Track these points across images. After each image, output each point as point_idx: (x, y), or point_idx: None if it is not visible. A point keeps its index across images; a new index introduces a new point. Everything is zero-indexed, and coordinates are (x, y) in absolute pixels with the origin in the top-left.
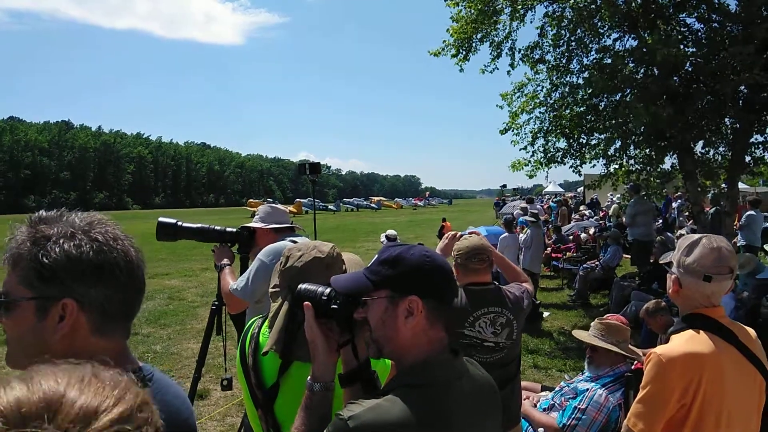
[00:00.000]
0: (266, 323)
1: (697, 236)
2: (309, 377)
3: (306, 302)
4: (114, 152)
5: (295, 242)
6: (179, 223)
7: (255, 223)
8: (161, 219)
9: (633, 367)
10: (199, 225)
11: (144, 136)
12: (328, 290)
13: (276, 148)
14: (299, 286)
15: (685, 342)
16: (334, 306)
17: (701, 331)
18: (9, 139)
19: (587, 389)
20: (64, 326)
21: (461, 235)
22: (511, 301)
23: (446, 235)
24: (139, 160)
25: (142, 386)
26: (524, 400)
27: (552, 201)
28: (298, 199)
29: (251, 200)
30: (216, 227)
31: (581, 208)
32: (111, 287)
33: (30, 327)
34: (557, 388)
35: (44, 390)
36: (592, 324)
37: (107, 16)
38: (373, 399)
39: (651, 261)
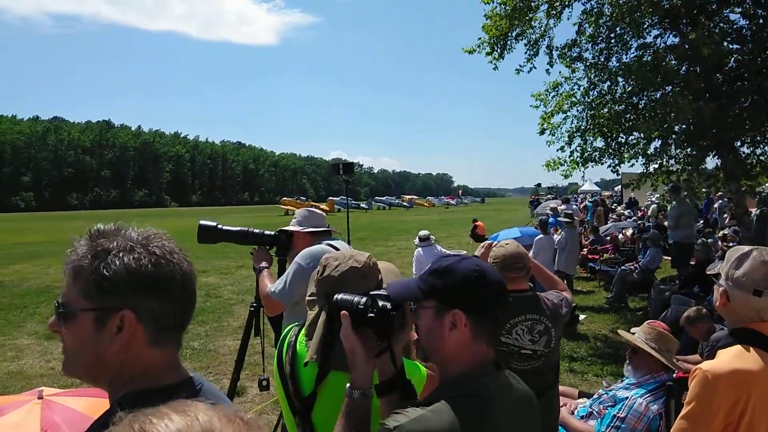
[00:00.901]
0: (303, 331)
1: (747, 248)
2: (348, 385)
3: (343, 311)
4: (153, 151)
5: (332, 246)
6: (220, 226)
7: (293, 227)
8: (202, 222)
9: (675, 375)
10: (238, 228)
11: (182, 136)
12: (364, 299)
13: (309, 146)
14: (336, 296)
15: (733, 358)
16: (370, 315)
17: (751, 348)
18: (53, 139)
19: (627, 397)
20: (122, 337)
21: (497, 244)
22: (549, 309)
23: (482, 244)
24: (177, 158)
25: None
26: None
27: (588, 200)
28: (330, 198)
29: (285, 198)
30: (255, 230)
31: (619, 207)
32: (167, 299)
33: (88, 337)
34: (595, 396)
35: (201, 423)
36: (640, 327)
37: (145, 18)
38: (417, 409)
39: (692, 264)
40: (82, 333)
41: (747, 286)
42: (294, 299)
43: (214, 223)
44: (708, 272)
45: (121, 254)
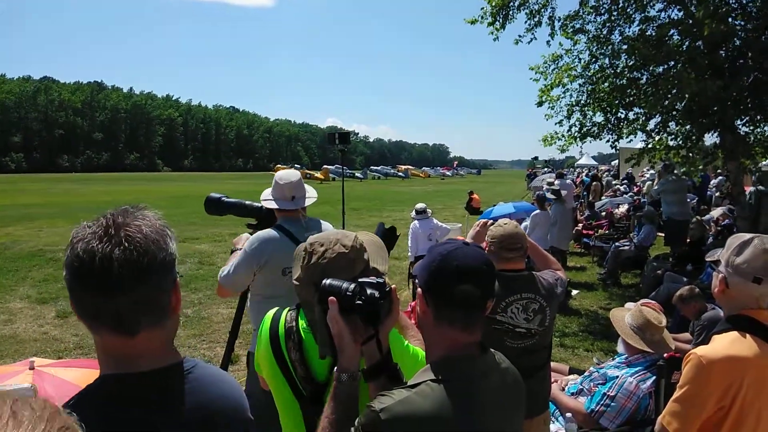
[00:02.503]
0: (302, 314)
1: (749, 236)
2: (336, 368)
3: (331, 297)
4: (145, 114)
5: (282, 228)
6: (223, 199)
7: (267, 202)
8: (210, 195)
9: (666, 355)
10: (238, 201)
11: (174, 99)
12: (353, 286)
13: (304, 113)
14: (324, 282)
15: (729, 344)
16: (358, 302)
17: (747, 335)
18: (44, 99)
19: (617, 376)
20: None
21: (492, 223)
22: (544, 288)
23: (477, 222)
24: (170, 122)
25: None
26: (552, 383)
27: (585, 175)
28: (325, 166)
29: (279, 165)
30: (255, 204)
31: (614, 183)
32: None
33: None
34: (586, 373)
35: None
36: (631, 310)
37: None
38: (403, 391)
39: (687, 242)
40: None
41: (747, 273)
42: (239, 287)
43: (219, 196)
44: (707, 259)
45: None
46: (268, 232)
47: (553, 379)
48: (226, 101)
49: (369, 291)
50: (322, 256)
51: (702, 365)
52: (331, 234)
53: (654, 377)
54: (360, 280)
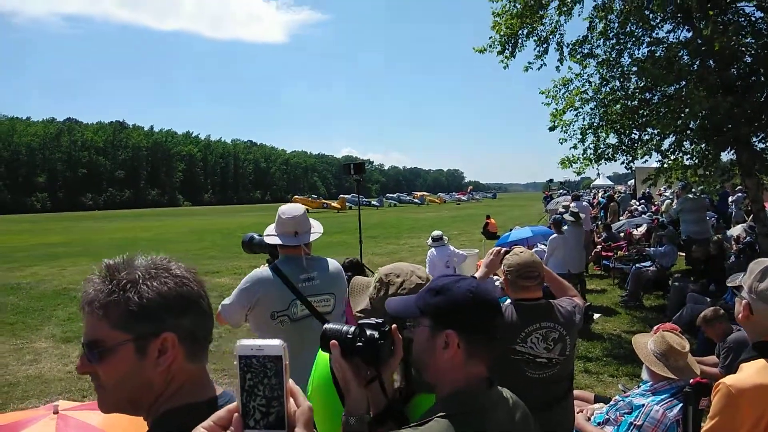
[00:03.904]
0: None
1: None
2: (344, 413)
3: (333, 341)
4: (166, 151)
5: (276, 267)
6: (254, 239)
7: (271, 238)
8: (243, 236)
9: (692, 381)
10: (261, 238)
11: (193, 135)
12: (353, 329)
13: (320, 144)
14: (325, 326)
15: (757, 373)
16: (359, 344)
17: None
18: (67, 140)
19: (643, 405)
20: (168, 358)
21: (506, 251)
22: (563, 316)
23: (490, 251)
24: (190, 158)
25: None
26: (578, 413)
27: (601, 196)
28: (341, 195)
29: (296, 196)
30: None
31: (632, 202)
32: (198, 314)
33: (130, 368)
34: (612, 402)
35: None
36: (653, 335)
37: (156, 17)
38: (412, 428)
39: (707, 260)
40: (121, 367)
41: None
42: (233, 322)
43: (250, 236)
44: (729, 284)
45: (149, 281)
46: (263, 271)
47: (578, 409)
48: (243, 135)
49: (369, 332)
50: (401, 287)
51: (732, 395)
52: (403, 266)
53: (681, 404)
54: (360, 321)
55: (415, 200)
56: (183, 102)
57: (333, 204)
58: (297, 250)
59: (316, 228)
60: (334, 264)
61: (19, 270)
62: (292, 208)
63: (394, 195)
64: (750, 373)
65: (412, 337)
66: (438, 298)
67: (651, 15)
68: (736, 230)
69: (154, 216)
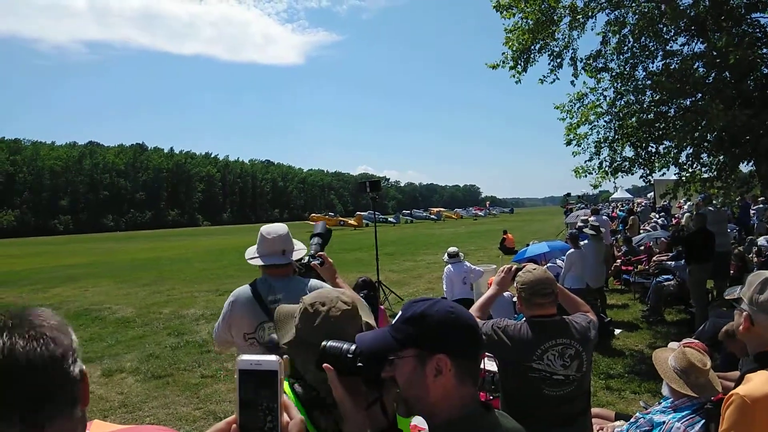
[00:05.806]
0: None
1: None
2: None
3: (326, 364)
4: (185, 172)
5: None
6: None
7: (253, 261)
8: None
9: (713, 398)
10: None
11: (212, 156)
12: (353, 347)
13: (336, 162)
14: (324, 344)
15: (766, 383)
16: (359, 364)
17: None
18: (89, 163)
19: (664, 422)
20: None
21: (517, 269)
22: (578, 332)
23: (502, 268)
24: (209, 178)
25: None
26: (598, 431)
27: (620, 209)
28: (358, 213)
29: (313, 214)
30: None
31: (651, 215)
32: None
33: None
34: (632, 420)
35: None
36: (675, 351)
37: (174, 42)
38: None
39: (731, 272)
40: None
41: None
42: (223, 344)
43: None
44: (726, 297)
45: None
46: (242, 290)
47: (598, 426)
48: (261, 155)
49: None
50: (328, 315)
51: (747, 405)
52: (328, 291)
53: (703, 421)
54: None
55: (432, 216)
56: (202, 123)
57: (350, 221)
58: (287, 269)
59: (299, 246)
60: (319, 284)
61: (42, 291)
62: (276, 228)
63: (410, 211)
64: (760, 382)
65: (392, 374)
66: (421, 324)
67: (664, 29)
68: (760, 241)
69: (174, 236)
